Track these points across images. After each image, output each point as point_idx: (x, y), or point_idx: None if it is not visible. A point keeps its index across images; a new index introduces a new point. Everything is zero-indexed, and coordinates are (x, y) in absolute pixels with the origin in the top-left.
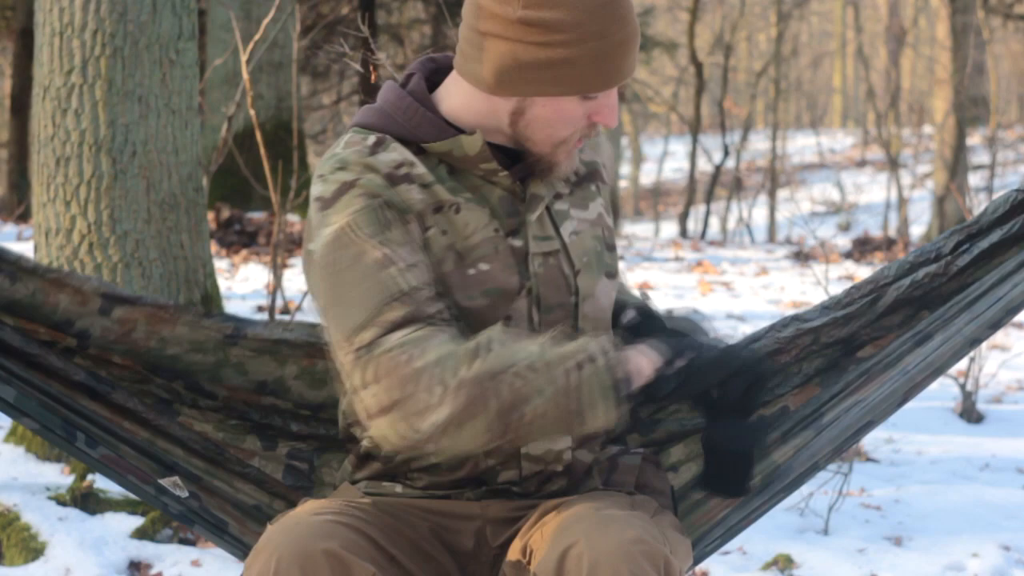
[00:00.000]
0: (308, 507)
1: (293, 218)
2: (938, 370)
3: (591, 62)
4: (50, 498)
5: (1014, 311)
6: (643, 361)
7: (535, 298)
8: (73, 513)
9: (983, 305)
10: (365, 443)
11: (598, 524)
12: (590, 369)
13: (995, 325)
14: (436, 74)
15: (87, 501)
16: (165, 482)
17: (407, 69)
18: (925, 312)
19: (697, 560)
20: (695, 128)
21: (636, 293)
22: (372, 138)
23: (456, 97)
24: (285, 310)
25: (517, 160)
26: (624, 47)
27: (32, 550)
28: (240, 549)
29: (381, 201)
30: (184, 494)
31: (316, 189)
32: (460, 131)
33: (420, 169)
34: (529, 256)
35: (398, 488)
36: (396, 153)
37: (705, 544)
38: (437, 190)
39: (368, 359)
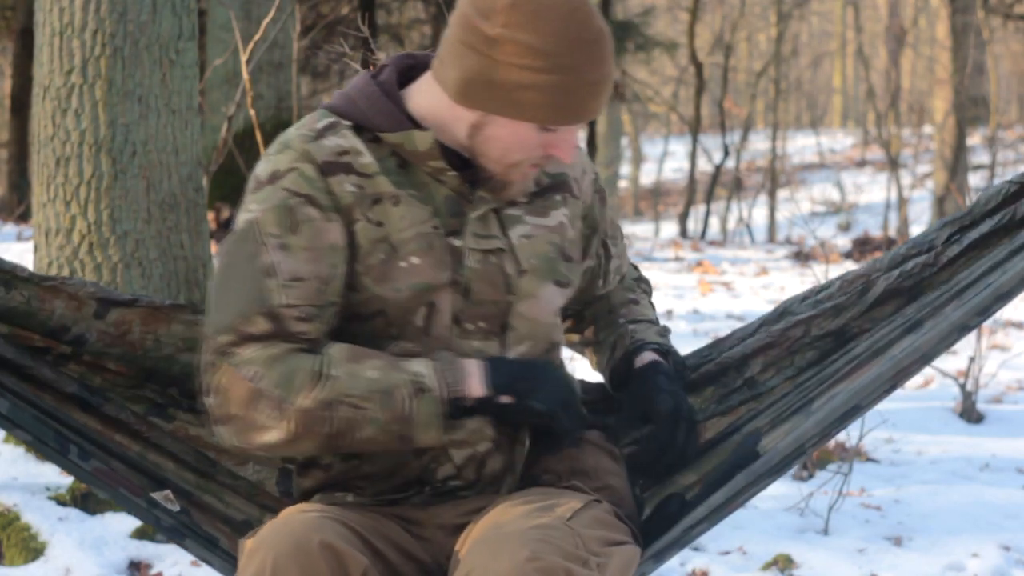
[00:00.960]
0: (294, 508)
1: None
2: (926, 356)
3: (556, 94)
4: (50, 498)
5: (1003, 298)
6: (475, 385)
7: (463, 291)
8: (73, 513)
9: (972, 292)
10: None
11: (493, 546)
12: (423, 398)
13: (984, 311)
14: (412, 70)
15: (87, 501)
16: (157, 496)
17: (383, 61)
18: (915, 302)
19: (684, 543)
20: (695, 128)
21: (654, 328)
22: (325, 122)
23: (424, 96)
24: None
25: (471, 166)
26: (593, 88)
27: (32, 550)
28: (231, 564)
29: (301, 199)
30: (175, 508)
31: (257, 167)
32: (417, 126)
33: (366, 159)
34: (465, 252)
35: (349, 497)
36: (344, 140)
37: (688, 525)
38: (379, 181)
39: (219, 366)
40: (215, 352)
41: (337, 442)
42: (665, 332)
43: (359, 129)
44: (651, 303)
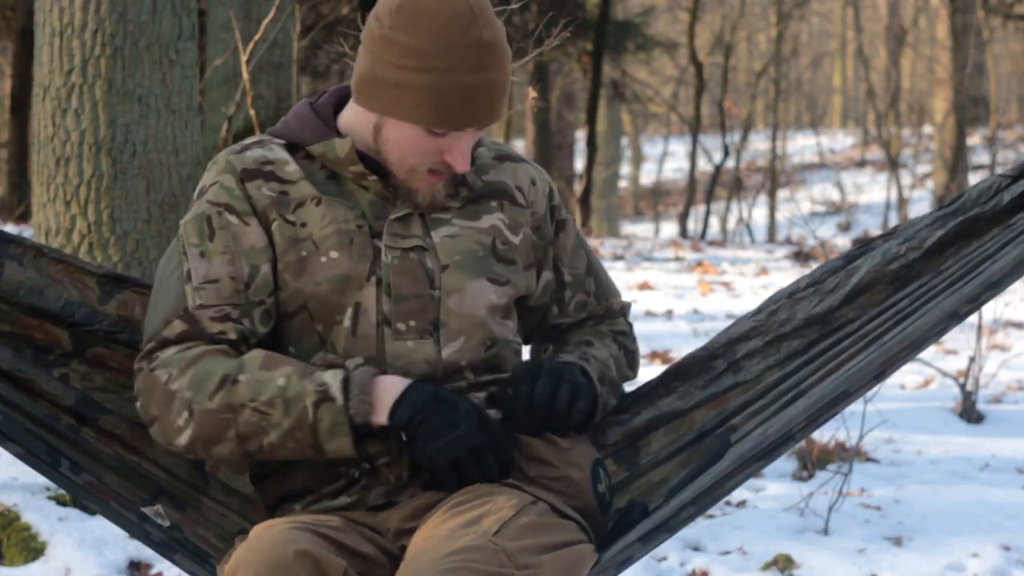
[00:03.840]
0: (261, 526)
1: None
2: (916, 343)
3: (431, 95)
4: (50, 498)
5: (993, 287)
6: (381, 411)
7: (385, 287)
8: (73, 513)
9: (963, 281)
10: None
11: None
12: (327, 408)
13: (974, 299)
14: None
15: None
16: (148, 510)
17: (322, 91)
18: (904, 290)
19: (673, 529)
20: (695, 128)
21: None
22: (255, 139)
23: (348, 109)
24: None
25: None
26: (468, 91)
27: (32, 550)
28: None
29: (220, 208)
30: (166, 523)
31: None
32: (339, 136)
33: (291, 167)
34: (383, 249)
35: (297, 506)
36: (270, 152)
37: (678, 511)
38: (302, 186)
39: (142, 372)
40: (140, 358)
41: (247, 447)
42: (585, 356)
43: (293, 148)
44: (617, 354)
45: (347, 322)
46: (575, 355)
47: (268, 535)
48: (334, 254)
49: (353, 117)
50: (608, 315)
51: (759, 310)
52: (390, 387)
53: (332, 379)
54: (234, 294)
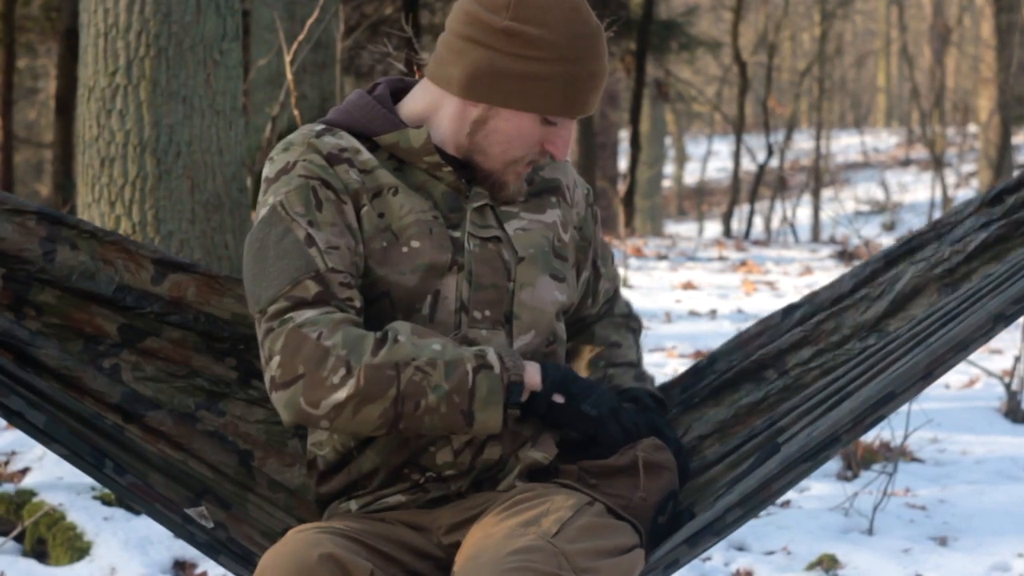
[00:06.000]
0: (294, 530)
1: None
2: (962, 345)
3: (560, 84)
4: (95, 498)
5: None
6: (533, 375)
7: (467, 275)
8: (118, 513)
9: (1008, 282)
10: (326, 456)
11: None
12: (486, 374)
13: (1020, 301)
14: (403, 92)
15: None
16: (191, 512)
17: (375, 81)
18: (951, 294)
19: (720, 532)
20: (739, 127)
21: (632, 372)
22: (321, 126)
23: (417, 101)
24: None
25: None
26: (593, 80)
27: (77, 549)
28: None
29: (317, 181)
30: (210, 524)
31: (264, 170)
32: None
33: (364, 156)
34: (465, 237)
35: (352, 505)
36: (343, 140)
37: (724, 513)
38: (378, 174)
39: (280, 331)
40: (271, 319)
41: (402, 408)
42: (642, 376)
43: (358, 136)
44: (636, 343)
45: (426, 309)
46: (627, 375)
47: (295, 538)
48: (415, 244)
49: (429, 109)
50: (615, 296)
51: (803, 318)
52: (528, 361)
53: (486, 349)
54: (352, 264)
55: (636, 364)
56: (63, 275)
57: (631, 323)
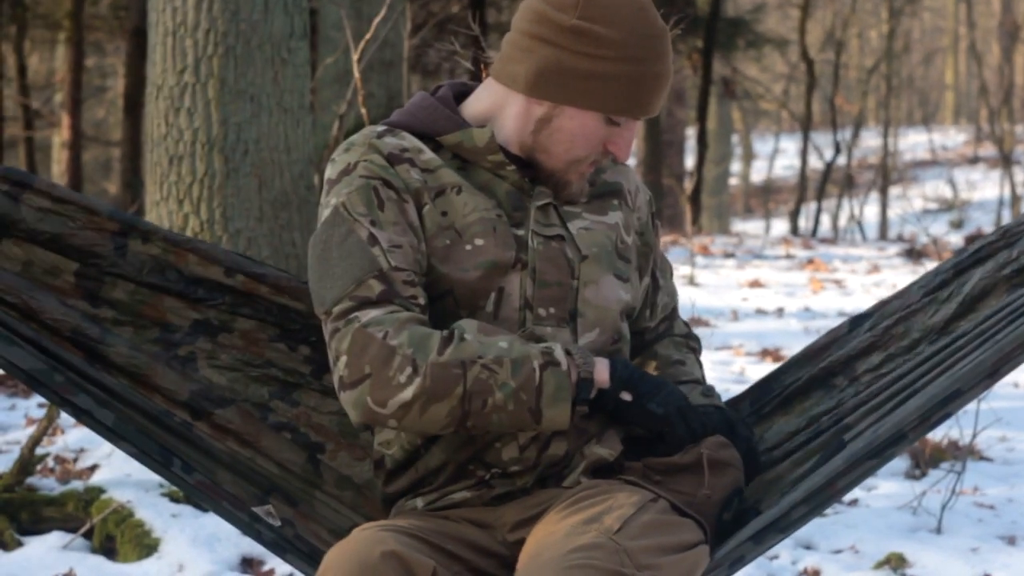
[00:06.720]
0: (361, 527)
1: None
2: None
3: (626, 84)
4: (163, 495)
5: None
6: (602, 372)
7: (531, 272)
8: (186, 510)
9: None
10: (393, 455)
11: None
12: (553, 371)
13: None
14: (464, 95)
15: None
16: (259, 510)
17: (440, 82)
18: (1017, 291)
19: (785, 529)
20: (806, 125)
21: (698, 389)
22: (383, 127)
23: (484, 101)
24: None
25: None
26: (657, 81)
27: (146, 546)
28: None
29: (379, 181)
30: (277, 523)
31: (326, 172)
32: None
33: (427, 155)
34: (529, 235)
35: (419, 502)
36: (405, 140)
37: (789, 510)
38: (442, 173)
39: (346, 331)
40: (336, 319)
41: (470, 406)
42: (710, 391)
43: (421, 137)
44: (698, 361)
45: (490, 307)
46: (695, 392)
47: (359, 536)
48: (479, 241)
49: (494, 109)
50: (674, 315)
51: (873, 325)
52: (598, 358)
53: (554, 345)
54: (415, 262)
55: (701, 381)
56: (134, 269)
57: (691, 343)
